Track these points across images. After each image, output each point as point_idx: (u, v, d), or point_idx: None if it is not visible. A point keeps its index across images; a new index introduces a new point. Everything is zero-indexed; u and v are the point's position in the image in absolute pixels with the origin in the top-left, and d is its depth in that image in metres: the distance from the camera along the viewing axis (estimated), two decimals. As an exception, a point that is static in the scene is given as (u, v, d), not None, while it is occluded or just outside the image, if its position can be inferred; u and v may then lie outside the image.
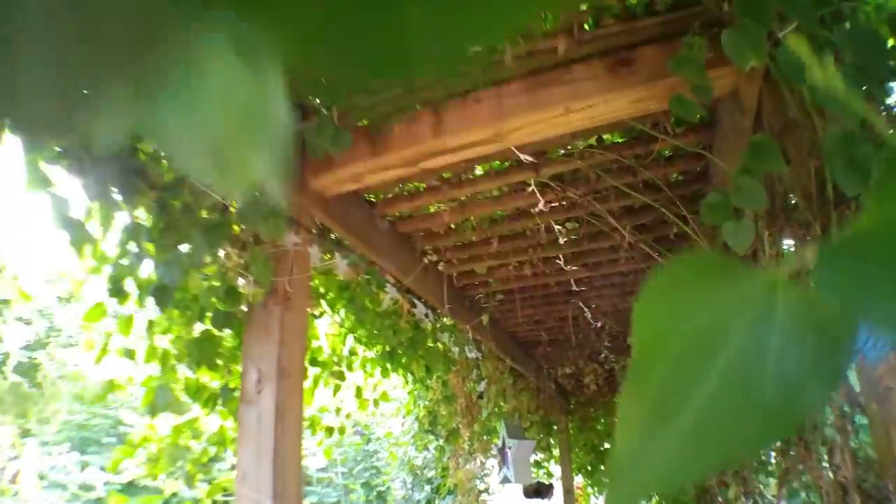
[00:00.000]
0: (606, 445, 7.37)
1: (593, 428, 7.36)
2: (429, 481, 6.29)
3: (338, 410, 2.91)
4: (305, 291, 2.11)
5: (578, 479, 7.55)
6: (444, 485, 3.75)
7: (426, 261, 2.99)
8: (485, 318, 3.73)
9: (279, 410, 1.84)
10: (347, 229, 2.44)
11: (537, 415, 5.95)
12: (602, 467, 7.31)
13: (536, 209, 2.80)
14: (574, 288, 3.81)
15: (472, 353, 3.84)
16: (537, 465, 7.38)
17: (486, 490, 5.33)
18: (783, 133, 1.77)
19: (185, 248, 1.85)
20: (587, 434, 7.34)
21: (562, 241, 3.12)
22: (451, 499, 4.26)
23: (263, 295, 1.98)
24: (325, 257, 2.40)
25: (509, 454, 4.28)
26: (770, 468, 3.63)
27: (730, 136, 2.20)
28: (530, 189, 2.71)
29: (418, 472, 6.07)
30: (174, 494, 2.48)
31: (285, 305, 2.00)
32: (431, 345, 3.12)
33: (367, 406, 3.04)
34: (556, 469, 7.44)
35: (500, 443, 4.43)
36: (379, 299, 2.81)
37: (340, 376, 2.71)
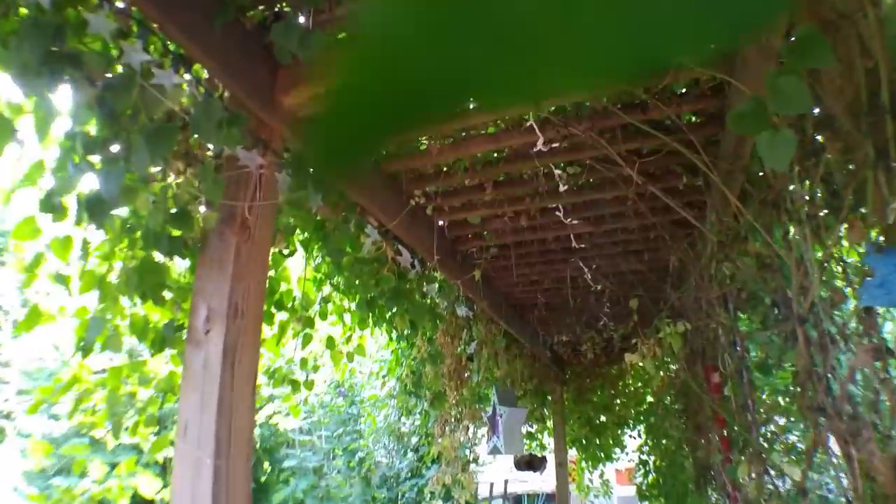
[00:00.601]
0: (602, 419, 7.18)
1: (589, 400, 7.16)
2: (415, 449, 6.07)
3: (304, 363, 2.66)
4: (269, 222, 1.85)
5: (572, 453, 7.37)
6: (429, 453, 3.51)
7: (413, 203, 2.72)
8: (477, 274, 3.47)
9: (229, 355, 1.59)
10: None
11: (531, 383, 5.73)
12: (597, 441, 7.12)
13: (535, 149, 2.53)
14: (574, 245, 3.55)
15: (462, 311, 3.59)
16: (530, 436, 7.18)
17: (475, 460, 5.12)
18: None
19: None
20: (582, 406, 7.14)
21: (562, 188, 2.85)
22: (436, 468, 4.05)
23: (217, 220, 1.72)
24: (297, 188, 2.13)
25: (500, 422, 4.05)
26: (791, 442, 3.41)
27: (754, 62, 1.93)
28: (528, 124, 2.44)
29: (402, 438, 5.86)
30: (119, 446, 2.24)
31: (244, 235, 1.74)
32: (418, 299, 2.86)
33: (340, 360, 2.79)
34: (549, 441, 7.26)
35: (490, 410, 4.21)
36: (359, 243, 2.55)
37: (309, 323, 2.45)
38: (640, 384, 7.41)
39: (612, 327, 5.70)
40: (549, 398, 6.70)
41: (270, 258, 2.01)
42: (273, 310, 2.31)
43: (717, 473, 4.21)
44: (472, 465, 7.61)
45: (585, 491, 7.39)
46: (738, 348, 3.05)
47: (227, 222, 1.74)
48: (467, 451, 4.15)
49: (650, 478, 6.60)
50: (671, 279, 4.20)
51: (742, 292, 3.18)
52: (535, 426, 7.10)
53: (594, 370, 7.17)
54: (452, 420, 3.61)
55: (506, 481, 5.90)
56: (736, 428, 4.12)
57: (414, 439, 6.01)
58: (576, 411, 7.14)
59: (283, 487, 6.24)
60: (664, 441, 6.35)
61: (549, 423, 7.06)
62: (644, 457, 6.72)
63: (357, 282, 2.58)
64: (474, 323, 3.89)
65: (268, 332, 2.37)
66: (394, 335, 3.23)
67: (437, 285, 3.03)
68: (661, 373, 4.55)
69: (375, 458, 5.88)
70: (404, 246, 2.87)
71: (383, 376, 4.06)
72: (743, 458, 4.16)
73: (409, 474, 5.85)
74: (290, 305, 2.39)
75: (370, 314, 2.82)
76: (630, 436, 6.97)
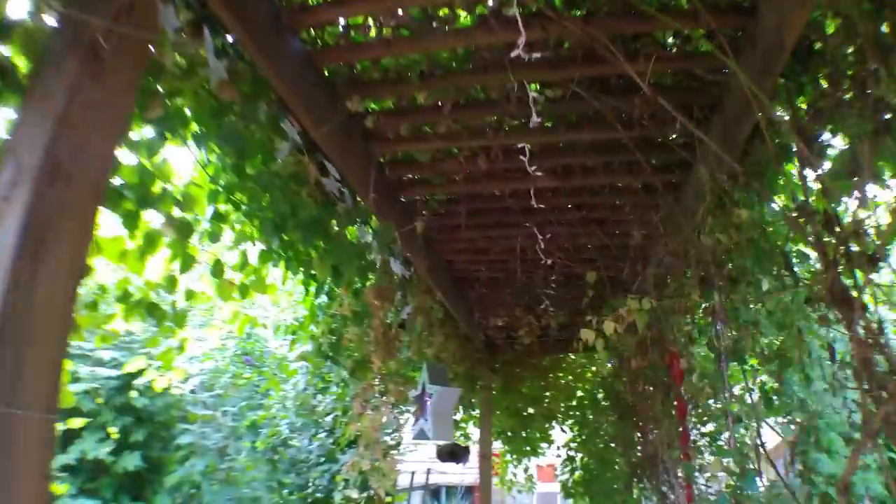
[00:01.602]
0: (531, 411, 6.78)
1: (518, 390, 6.74)
2: (330, 430, 5.36)
3: (170, 283, 2.00)
4: (135, 60, 1.23)
5: (497, 445, 6.94)
6: (345, 434, 2.94)
7: (349, 108, 2.13)
8: (419, 226, 2.92)
9: (33, 236, 0.97)
10: (237, 16, 1.56)
11: (462, 366, 5.24)
12: (524, 434, 6.71)
13: (514, 52, 1.99)
14: (534, 203, 3.03)
15: (398, 269, 3.03)
16: (455, 425, 6.70)
17: (397, 445, 4.58)
18: None
19: None
20: (511, 396, 6.71)
21: (535, 118, 2.32)
22: (353, 453, 3.48)
23: (56, 40, 1.10)
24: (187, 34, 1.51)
25: (429, 403, 3.52)
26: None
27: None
28: (511, 13, 1.90)
29: (314, 414, 5.16)
30: None
31: (91, 67, 1.12)
32: (345, 238, 2.28)
33: (229, 293, 2.16)
34: (474, 431, 6.81)
35: (418, 389, 3.67)
36: (272, 147, 1.95)
37: (186, 230, 1.82)
38: (570, 377, 7.06)
39: (552, 311, 5.28)
40: (479, 385, 6.23)
41: (137, 129, 1.39)
42: (138, 209, 1.66)
43: (666, 470, 3.83)
44: (394, 452, 7.05)
45: (509, 486, 6.98)
46: (718, 329, 2.62)
47: (71, 46, 1.11)
48: (389, 435, 3.60)
49: (577, 475, 6.24)
50: (632, 257, 3.77)
51: (726, 267, 2.77)
52: (460, 414, 6.63)
53: (526, 360, 6.76)
54: (375, 396, 3.05)
55: (428, 470, 5.38)
56: (697, 420, 3.75)
57: (329, 419, 5.35)
58: (504, 401, 6.71)
59: (178, 468, 5.49)
60: (595, 439, 6.00)
61: (476, 412, 6.61)
62: (571, 453, 6.37)
63: (264, 202, 1.98)
64: (410, 286, 3.34)
65: (130, 245, 1.74)
66: (313, 290, 2.63)
67: (371, 229, 2.46)
68: (606, 362, 4.12)
69: (283, 436, 5.19)
70: (329, 162, 2.27)
71: (294, 333, 3.42)
72: (707, 453, 3.79)
73: (322, 458, 5.17)
74: (161, 204, 1.75)
75: (282, 253, 2.22)
76: (562, 430, 6.60)
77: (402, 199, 3.08)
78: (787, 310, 2.32)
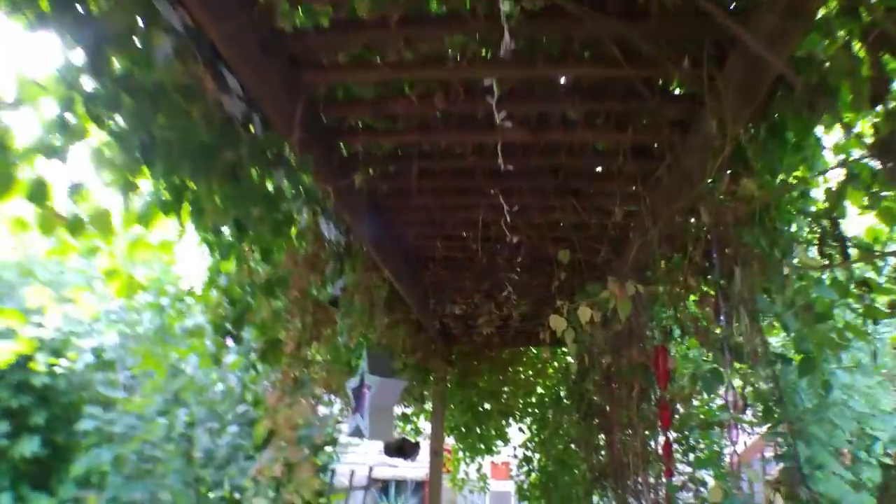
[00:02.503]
0: (487, 406, 6.30)
1: (475, 384, 6.25)
2: (246, 423, 4.61)
3: None
4: None
5: (450, 441, 6.45)
6: (258, 431, 2.38)
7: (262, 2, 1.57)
8: (358, 178, 2.38)
9: None
10: None
11: (413, 357, 4.71)
12: (479, 431, 6.23)
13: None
14: (500, 164, 2.50)
15: (330, 233, 2.48)
16: (405, 418, 6.18)
17: (331, 443, 4.05)
18: None
19: None
20: (467, 390, 6.22)
21: (508, 43, 1.79)
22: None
23: None
24: None
25: (367, 397, 2.99)
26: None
27: None
28: None
29: (217, 405, 4.50)
30: None
31: None
32: (251, 176, 1.72)
33: (52, 227, 1.58)
34: (426, 426, 6.31)
35: (356, 379, 3.13)
36: (150, 41, 1.39)
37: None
38: (531, 373, 6.60)
39: (515, 300, 4.79)
40: (432, 378, 5.71)
41: None
42: None
43: (635, 482, 3.37)
44: (330, 449, 6.49)
45: (460, 485, 6.50)
46: (722, 319, 2.14)
47: None
48: (315, 431, 3.07)
49: (533, 476, 5.79)
50: (611, 238, 3.29)
51: (735, 246, 2.29)
52: (411, 407, 6.11)
53: (484, 352, 6.27)
54: (293, 384, 2.49)
55: (370, 468, 4.86)
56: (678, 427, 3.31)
57: (243, 409, 4.69)
58: (459, 395, 6.22)
59: (85, 456, 4.81)
60: (555, 439, 5.54)
61: (429, 406, 6.11)
62: (529, 453, 5.91)
63: (135, 116, 1.41)
64: (349, 259, 2.79)
65: None
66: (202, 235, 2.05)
67: (290, 173, 1.90)
68: (574, 357, 3.62)
69: (199, 427, 4.53)
70: (230, 72, 1.71)
71: (182, 301, 2.80)
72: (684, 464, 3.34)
73: (239, 455, 4.47)
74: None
75: (163, 189, 1.65)
76: (520, 429, 6.14)
77: (341, 150, 2.52)
78: (818, 297, 1.84)
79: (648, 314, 2.88)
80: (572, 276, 3.61)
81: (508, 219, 3.05)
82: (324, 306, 2.62)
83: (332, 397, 4.26)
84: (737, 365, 2.15)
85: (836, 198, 1.84)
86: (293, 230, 2.23)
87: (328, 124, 2.41)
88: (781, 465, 4.13)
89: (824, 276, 2.12)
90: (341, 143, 2.52)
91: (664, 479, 2.66)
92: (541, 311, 5.26)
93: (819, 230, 2.10)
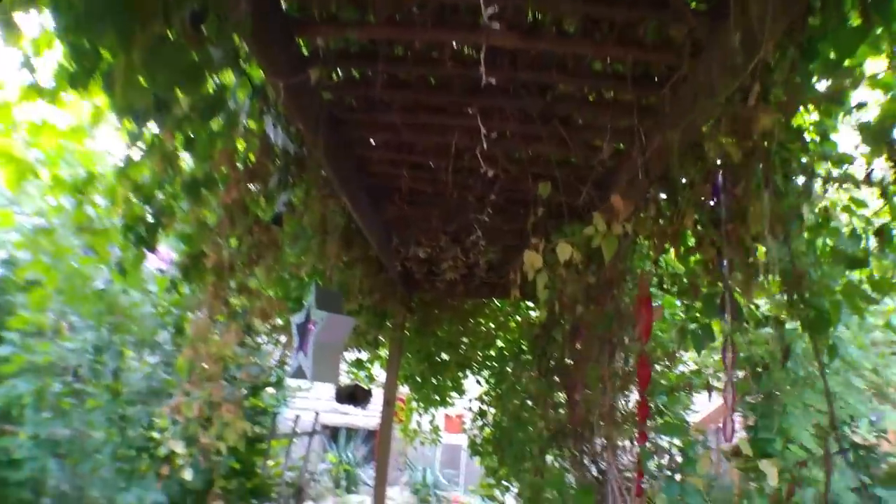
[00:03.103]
0: (445, 357, 6.05)
1: (433, 333, 5.98)
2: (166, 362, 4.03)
3: None
4: None
5: (404, 391, 6.21)
6: (179, 364, 2.02)
7: None
8: (314, 74, 2.00)
9: None
10: None
11: (371, 298, 4.39)
12: (434, 382, 5.99)
13: None
14: (482, 75, 2.13)
15: (276, 136, 2.10)
16: (359, 364, 5.90)
17: (272, 384, 3.73)
18: None
19: None
20: (425, 339, 5.95)
21: None
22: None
23: None
24: None
25: (312, 334, 2.66)
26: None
27: None
28: None
29: (125, 331, 3.94)
30: None
31: None
32: (172, 39, 1.33)
33: None
34: (380, 374, 6.05)
35: (302, 315, 2.80)
36: None
37: None
38: (492, 325, 6.36)
39: (483, 246, 4.48)
40: (389, 323, 5.41)
41: None
42: None
43: (592, 443, 3.15)
44: (273, 391, 6.17)
45: (411, 436, 6.29)
46: (723, 268, 1.85)
47: None
48: (255, 371, 2.74)
49: (487, 431, 5.59)
50: (597, 179, 2.97)
51: (738, 185, 1.99)
52: (365, 353, 5.83)
53: (446, 301, 5.99)
54: (223, 313, 2.14)
55: (317, 414, 4.59)
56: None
57: (165, 337, 4.22)
58: (416, 343, 5.94)
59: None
60: (512, 395, 5.32)
61: (383, 353, 5.84)
62: (484, 407, 5.70)
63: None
64: (298, 170, 2.41)
65: None
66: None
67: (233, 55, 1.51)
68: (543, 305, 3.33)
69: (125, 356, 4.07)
70: None
71: (80, 192, 2.36)
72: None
73: (154, 391, 3.97)
74: None
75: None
76: (478, 381, 5.91)
77: (297, 36, 2.12)
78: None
79: (636, 257, 2.59)
80: (548, 218, 3.31)
81: (486, 146, 2.70)
82: (265, 225, 2.26)
83: (277, 335, 3.92)
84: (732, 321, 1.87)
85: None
86: (233, 126, 1.85)
87: (287, 11, 2.01)
88: (743, 434, 3.97)
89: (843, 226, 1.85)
90: (300, 41, 2.12)
91: (636, 444, 2.41)
92: (509, 260, 4.97)
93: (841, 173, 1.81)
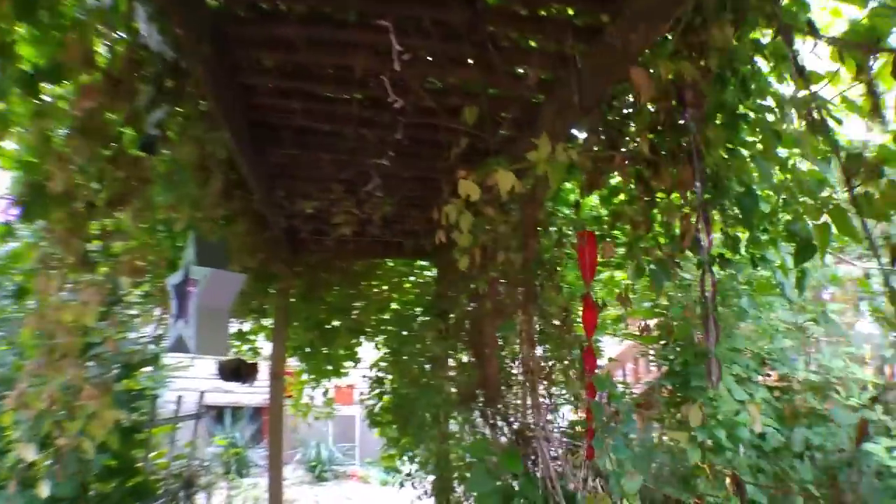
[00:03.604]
0: (336, 323, 5.61)
1: (322, 298, 5.51)
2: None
3: None
4: None
5: (293, 363, 5.71)
6: (24, 336, 1.49)
7: None
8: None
9: None
10: None
11: (254, 259, 3.87)
12: (326, 351, 5.55)
13: None
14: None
15: (151, 36, 1.59)
16: (241, 336, 5.32)
17: (145, 362, 3.11)
18: None
19: None
20: (313, 305, 5.47)
21: None
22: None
23: None
24: None
25: (192, 295, 2.17)
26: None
27: None
28: None
29: None
30: None
31: None
32: None
33: None
34: (265, 346, 5.51)
35: (179, 274, 2.29)
36: None
37: None
38: (385, 287, 5.99)
39: (380, 199, 4.08)
40: (271, 290, 4.88)
41: None
42: None
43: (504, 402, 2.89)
44: (153, 370, 5.45)
45: (304, 411, 5.81)
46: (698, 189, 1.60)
47: None
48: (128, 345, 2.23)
49: (385, 399, 5.26)
50: (519, 107, 2.66)
51: (699, 107, 1.75)
52: (248, 323, 5.26)
53: (334, 263, 5.54)
54: (78, 265, 1.61)
55: (201, 394, 4.01)
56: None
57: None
58: (303, 311, 5.45)
59: None
60: (411, 360, 5.01)
61: (268, 322, 5.31)
62: (381, 374, 5.35)
63: None
64: (175, 87, 1.89)
65: None
66: None
67: None
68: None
69: None
70: None
71: None
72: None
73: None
74: None
75: None
76: (377, 347, 5.53)
77: None
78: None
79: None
80: (459, 161, 2.97)
81: (398, 68, 2.29)
82: (132, 156, 1.73)
83: (152, 305, 3.31)
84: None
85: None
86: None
87: None
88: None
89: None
90: None
91: (586, 398, 2.16)
92: (406, 214, 4.61)
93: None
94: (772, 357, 3.55)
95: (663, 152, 1.79)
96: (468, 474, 4.18)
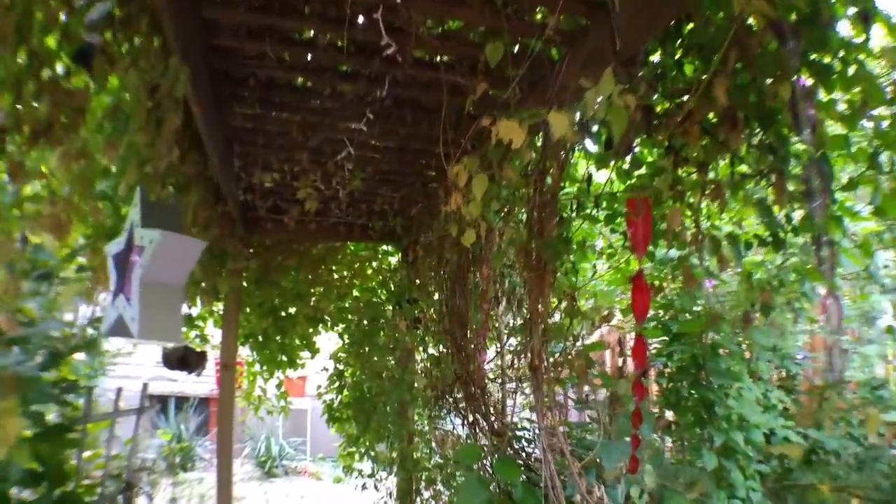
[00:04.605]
0: (293, 310, 5.17)
1: (278, 283, 5.06)
2: None
3: None
4: None
5: (245, 352, 5.23)
6: None
7: None
8: None
9: None
10: None
11: (208, 234, 3.42)
12: (281, 340, 5.10)
13: None
14: None
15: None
16: (189, 322, 4.82)
17: (78, 347, 2.64)
18: None
19: None
20: (267, 290, 5.01)
21: None
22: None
23: None
24: None
25: (138, 265, 1.74)
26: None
27: None
28: None
29: None
30: None
31: None
32: None
33: None
34: (214, 334, 5.02)
35: (120, 240, 1.86)
36: None
37: None
38: (345, 273, 5.58)
39: (351, 172, 3.69)
40: (224, 271, 4.41)
41: None
42: None
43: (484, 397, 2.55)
44: (86, 358, 4.89)
45: (256, 404, 5.34)
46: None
47: None
48: (55, 326, 1.81)
49: (345, 394, 4.86)
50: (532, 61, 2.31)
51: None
52: (196, 308, 4.76)
53: (291, 245, 5.10)
54: None
55: (144, 385, 3.54)
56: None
57: None
58: (257, 296, 4.99)
59: None
60: (374, 351, 4.62)
61: (218, 308, 4.82)
62: (340, 367, 4.95)
63: None
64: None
65: None
66: None
67: None
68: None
69: None
70: None
71: None
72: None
73: None
74: None
75: None
76: (340, 337, 5.11)
77: None
78: None
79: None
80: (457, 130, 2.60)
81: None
82: (58, 80, 1.30)
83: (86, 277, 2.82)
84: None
85: None
86: None
87: None
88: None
89: None
90: None
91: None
92: (375, 192, 4.22)
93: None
94: (781, 354, 3.35)
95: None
96: (439, 477, 3.84)
